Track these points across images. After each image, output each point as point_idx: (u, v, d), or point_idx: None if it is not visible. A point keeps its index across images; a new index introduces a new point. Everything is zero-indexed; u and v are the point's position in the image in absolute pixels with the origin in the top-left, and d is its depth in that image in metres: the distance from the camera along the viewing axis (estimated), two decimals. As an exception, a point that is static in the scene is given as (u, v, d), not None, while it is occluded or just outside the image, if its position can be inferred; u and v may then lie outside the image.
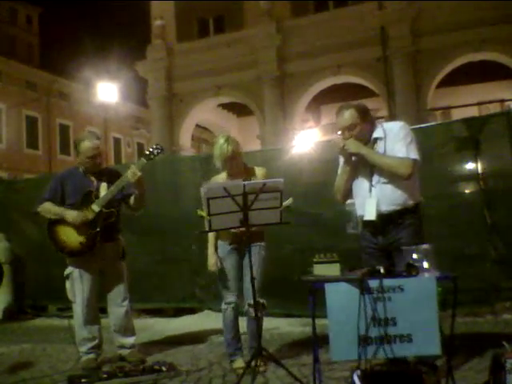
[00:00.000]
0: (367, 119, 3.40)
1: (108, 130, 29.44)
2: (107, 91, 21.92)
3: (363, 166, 3.40)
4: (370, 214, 3.31)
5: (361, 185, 3.43)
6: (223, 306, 4.02)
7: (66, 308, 7.07)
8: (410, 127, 3.44)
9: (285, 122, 16.59)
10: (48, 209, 4.27)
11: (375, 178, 3.35)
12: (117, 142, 34.26)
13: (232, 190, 3.38)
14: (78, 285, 4.25)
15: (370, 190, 3.35)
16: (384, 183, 3.33)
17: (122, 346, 4.35)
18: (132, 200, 4.27)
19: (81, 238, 4.16)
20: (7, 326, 6.70)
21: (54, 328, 6.28)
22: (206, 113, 19.44)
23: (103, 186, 4.25)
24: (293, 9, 16.98)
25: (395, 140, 3.32)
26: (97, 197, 4.20)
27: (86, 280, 4.26)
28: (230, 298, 3.98)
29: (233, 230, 3.80)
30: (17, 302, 7.29)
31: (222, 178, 4.08)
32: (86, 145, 4.22)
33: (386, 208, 3.31)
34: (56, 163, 28.52)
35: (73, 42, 66.00)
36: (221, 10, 17.92)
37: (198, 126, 21.36)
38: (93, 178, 4.29)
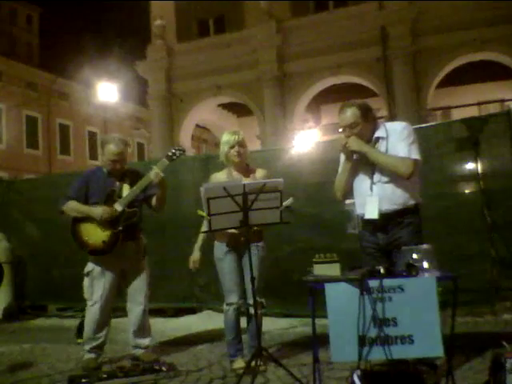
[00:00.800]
0: (369, 118, 3.40)
1: (108, 129, 29.39)
2: (107, 91, 21.92)
3: (364, 165, 3.40)
4: (372, 213, 3.31)
5: (361, 183, 3.43)
6: (225, 307, 4.00)
7: (65, 308, 7.09)
8: (412, 128, 3.44)
9: (285, 122, 16.58)
10: (73, 207, 4.27)
11: (376, 176, 3.35)
12: (117, 142, 34.19)
13: (232, 190, 3.37)
14: (98, 282, 4.26)
15: (371, 189, 3.35)
16: (385, 182, 3.33)
17: (137, 346, 4.35)
18: (154, 200, 4.29)
19: (104, 237, 4.18)
20: (7, 326, 6.69)
21: (53, 328, 6.28)
22: (205, 113, 19.43)
23: (125, 187, 4.28)
24: (293, 9, 16.97)
25: (397, 140, 3.32)
26: (119, 196, 4.23)
27: (107, 278, 4.27)
28: (231, 298, 3.96)
29: (231, 230, 3.80)
30: (17, 302, 7.29)
31: (222, 175, 4.07)
32: (111, 148, 4.24)
33: (386, 207, 3.31)
34: (56, 163, 28.48)
35: (73, 42, 66.12)
36: (221, 10, 17.92)
37: (197, 126, 21.36)
38: (115, 179, 4.32)
